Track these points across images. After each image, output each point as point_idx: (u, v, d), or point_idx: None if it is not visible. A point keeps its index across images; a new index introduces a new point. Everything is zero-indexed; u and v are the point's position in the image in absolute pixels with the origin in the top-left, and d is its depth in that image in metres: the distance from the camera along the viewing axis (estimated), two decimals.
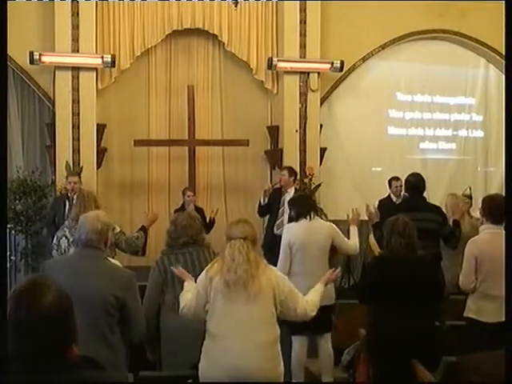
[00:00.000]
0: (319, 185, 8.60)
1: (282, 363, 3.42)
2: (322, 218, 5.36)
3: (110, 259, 3.63)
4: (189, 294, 3.48)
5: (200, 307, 3.38)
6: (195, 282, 3.51)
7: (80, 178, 7.58)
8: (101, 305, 3.28)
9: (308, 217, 5.09)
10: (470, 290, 4.41)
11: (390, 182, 8.21)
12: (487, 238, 4.40)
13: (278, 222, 7.39)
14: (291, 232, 5.14)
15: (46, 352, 1.60)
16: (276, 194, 7.47)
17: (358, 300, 4.33)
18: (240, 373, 3.21)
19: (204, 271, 3.42)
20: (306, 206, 5.18)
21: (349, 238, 5.29)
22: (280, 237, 6.67)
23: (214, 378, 3.28)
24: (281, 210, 7.38)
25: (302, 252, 5.04)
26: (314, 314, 3.52)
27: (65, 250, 4.56)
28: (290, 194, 7.36)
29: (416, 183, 5.68)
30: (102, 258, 3.46)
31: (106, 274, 3.40)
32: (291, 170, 7.60)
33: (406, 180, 5.80)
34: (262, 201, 7.47)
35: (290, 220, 5.33)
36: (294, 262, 5.05)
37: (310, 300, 3.52)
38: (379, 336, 4.04)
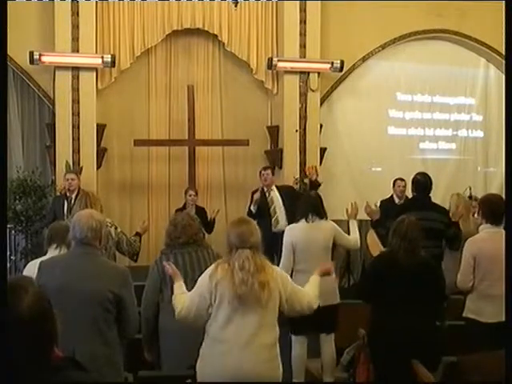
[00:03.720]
0: (319, 184, 8.58)
1: (280, 364, 3.39)
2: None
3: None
4: (183, 296, 3.42)
5: (202, 311, 3.31)
6: (195, 282, 3.47)
7: (78, 175, 7.54)
8: (98, 301, 3.28)
9: (307, 219, 5.10)
10: (467, 289, 4.42)
11: (394, 182, 8.10)
12: (486, 238, 4.41)
13: (273, 220, 7.50)
14: (292, 233, 5.15)
15: (28, 355, 1.60)
16: (261, 197, 7.58)
17: (358, 298, 4.33)
18: (239, 376, 3.19)
19: (207, 275, 3.33)
20: (307, 207, 5.18)
21: (349, 234, 5.31)
22: (277, 234, 6.77)
23: (213, 379, 3.26)
24: (272, 208, 7.55)
25: (304, 252, 5.06)
26: (316, 305, 3.52)
27: None
28: (275, 190, 7.67)
29: (424, 183, 5.64)
30: (97, 255, 3.47)
31: (103, 270, 3.40)
32: (273, 169, 8.01)
33: (414, 179, 5.73)
34: (253, 209, 7.54)
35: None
36: (297, 260, 5.07)
37: (311, 293, 3.52)
38: (377, 335, 4.05)
